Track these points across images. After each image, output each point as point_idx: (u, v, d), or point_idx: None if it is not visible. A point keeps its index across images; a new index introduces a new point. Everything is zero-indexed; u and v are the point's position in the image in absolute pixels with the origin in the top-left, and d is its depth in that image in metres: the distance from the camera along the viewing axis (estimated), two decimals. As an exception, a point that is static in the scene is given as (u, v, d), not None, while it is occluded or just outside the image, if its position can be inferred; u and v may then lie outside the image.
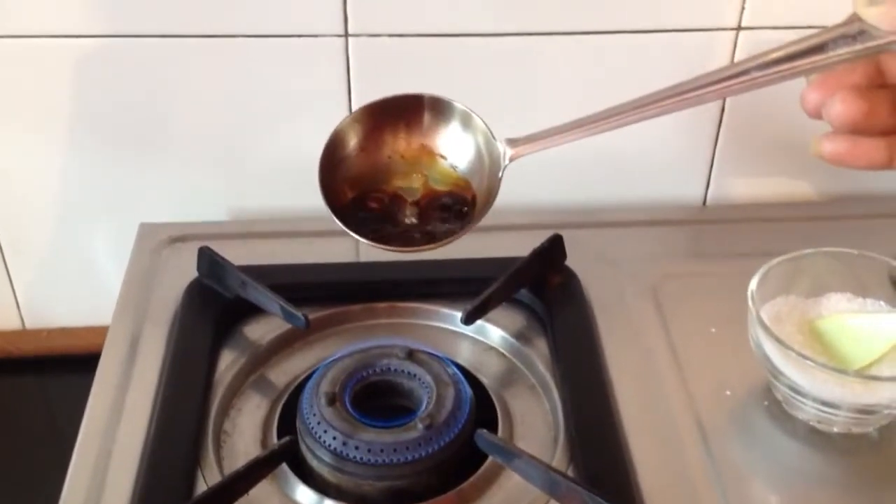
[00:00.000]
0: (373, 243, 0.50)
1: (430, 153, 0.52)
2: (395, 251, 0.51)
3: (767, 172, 0.86)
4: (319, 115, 0.80)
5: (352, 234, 0.50)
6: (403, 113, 0.52)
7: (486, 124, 0.51)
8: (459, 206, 0.52)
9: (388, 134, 0.52)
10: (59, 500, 0.59)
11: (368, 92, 0.78)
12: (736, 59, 0.79)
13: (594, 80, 0.80)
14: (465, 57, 0.78)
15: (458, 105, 0.51)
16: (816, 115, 0.43)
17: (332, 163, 0.51)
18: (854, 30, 0.41)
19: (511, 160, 0.50)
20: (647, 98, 0.46)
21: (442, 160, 0.52)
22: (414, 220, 0.52)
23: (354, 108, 0.79)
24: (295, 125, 0.80)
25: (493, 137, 0.50)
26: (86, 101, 0.79)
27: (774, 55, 0.42)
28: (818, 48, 0.42)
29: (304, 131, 0.80)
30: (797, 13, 0.77)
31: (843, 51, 0.41)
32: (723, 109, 0.82)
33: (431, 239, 0.51)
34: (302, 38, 0.76)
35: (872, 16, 0.40)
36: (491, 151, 0.50)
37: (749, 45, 0.78)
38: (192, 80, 0.78)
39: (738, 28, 0.78)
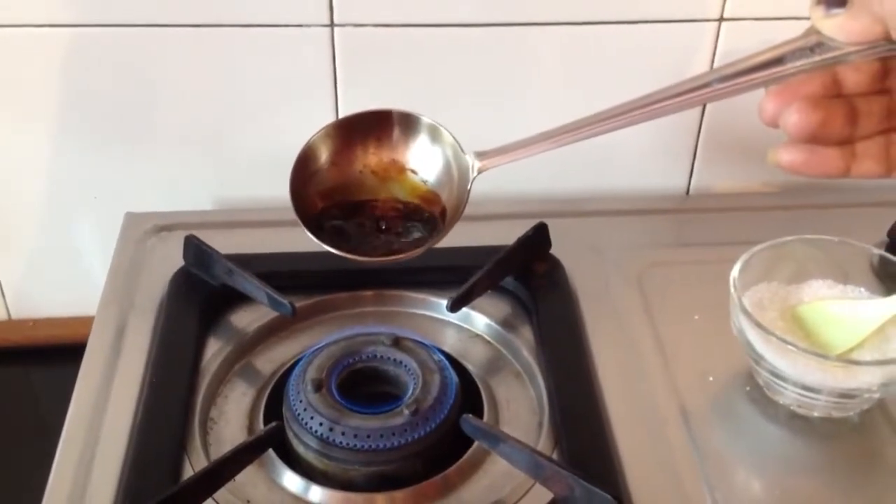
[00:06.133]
0: (342, 253, 0.51)
1: (400, 168, 0.53)
2: (364, 262, 0.51)
3: (749, 162, 0.86)
4: (305, 104, 0.80)
5: (321, 243, 0.51)
6: (374, 128, 0.53)
7: (454, 138, 0.52)
8: (428, 218, 0.53)
9: (359, 148, 0.53)
10: (46, 486, 0.59)
11: (354, 82, 0.79)
12: (719, 50, 0.80)
13: (578, 69, 0.81)
14: (449, 47, 0.78)
15: (427, 119, 0.53)
16: (773, 124, 0.44)
17: (304, 176, 0.52)
18: (812, 42, 0.42)
19: (479, 172, 0.51)
20: (611, 111, 0.47)
21: (412, 174, 0.53)
22: (383, 233, 0.53)
23: (340, 97, 0.80)
24: (281, 115, 0.81)
25: (462, 150, 0.52)
26: (70, 91, 0.79)
27: (734, 68, 0.43)
28: (777, 60, 0.43)
29: (290, 121, 0.80)
30: (779, 4, 0.78)
31: (801, 62, 0.42)
32: (706, 99, 0.83)
33: (399, 250, 0.52)
34: (288, 28, 0.76)
35: (829, 27, 0.41)
36: (460, 164, 0.51)
37: (731, 36, 0.79)
38: (177, 69, 0.78)
39: (721, 19, 0.79)
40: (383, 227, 0.53)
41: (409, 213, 0.53)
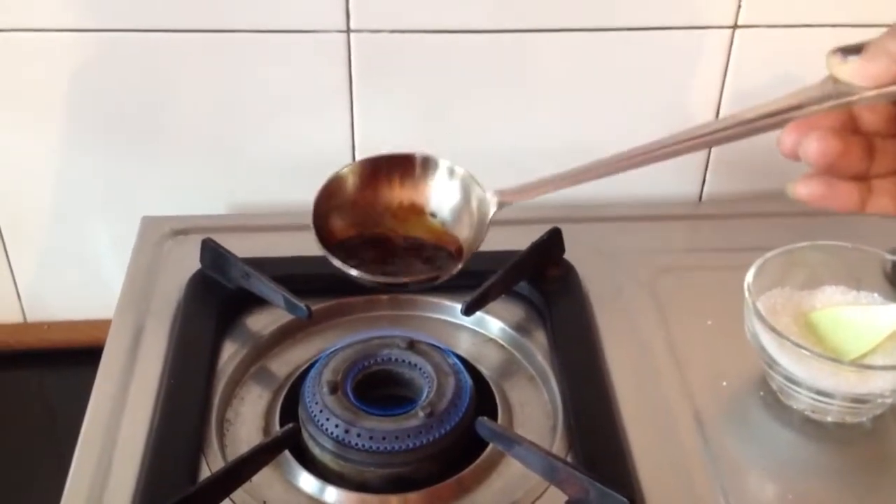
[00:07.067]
0: (360, 273, 0.52)
1: (419, 211, 0.55)
2: (382, 282, 0.52)
3: (762, 169, 0.86)
4: (321, 110, 0.81)
5: (342, 265, 0.52)
6: (397, 169, 0.54)
7: (474, 178, 0.53)
8: (443, 253, 0.54)
9: (383, 189, 0.54)
10: (61, 488, 0.59)
11: (369, 87, 0.80)
12: (732, 58, 0.80)
13: (591, 76, 0.81)
14: (464, 53, 0.79)
15: (447, 163, 0.54)
16: (793, 155, 0.44)
17: (326, 208, 0.53)
18: (829, 88, 0.43)
19: (500, 208, 0.52)
20: (633, 151, 0.48)
21: (430, 218, 0.55)
22: (398, 263, 0.54)
23: (355, 103, 0.80)
24: (297, 120, 0.81)
25: (482, 189, 0.53)
26: (88, 95, 0.79)
27: (753, 114, 0.44)
28: (795, 108, 0.44)
29: (306, 126, 0.81)
30: (792, 12, 0.78)
31: (819, 107, 0.43)
32: (718, 106, 0.83)
33: (410, 282, 0.53)
34: (304, 34, 0.77)
35: (846, 72, 0.42)
36: (480, 203, 0.53)
37: (745, 44, 0.79)
38: (193, 74, 0.79)
39: (734, 26, 0.79)
40: (399, 258, 0.54)
41: (424, 247, 0.55)
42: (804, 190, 0.45)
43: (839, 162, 0.43)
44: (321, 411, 0.61)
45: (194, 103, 0.81)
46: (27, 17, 0.75)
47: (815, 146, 0.43)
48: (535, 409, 0.67)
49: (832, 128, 0.44)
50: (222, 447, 0.63)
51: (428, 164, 0.54)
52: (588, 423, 0.63)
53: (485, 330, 0.73)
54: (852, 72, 0.42)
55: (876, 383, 0.61)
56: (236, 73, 0.79)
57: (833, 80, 0.43)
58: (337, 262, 0.52)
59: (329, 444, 0.60)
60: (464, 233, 0.54)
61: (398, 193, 0.54)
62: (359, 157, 0.56)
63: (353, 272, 0.51)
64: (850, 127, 0.45)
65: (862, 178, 0.45)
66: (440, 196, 0.54)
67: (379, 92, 0.80)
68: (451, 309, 0.73)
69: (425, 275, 0.53)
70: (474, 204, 0.53)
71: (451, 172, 0.54)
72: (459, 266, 0.52)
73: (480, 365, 0.70)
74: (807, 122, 0.44)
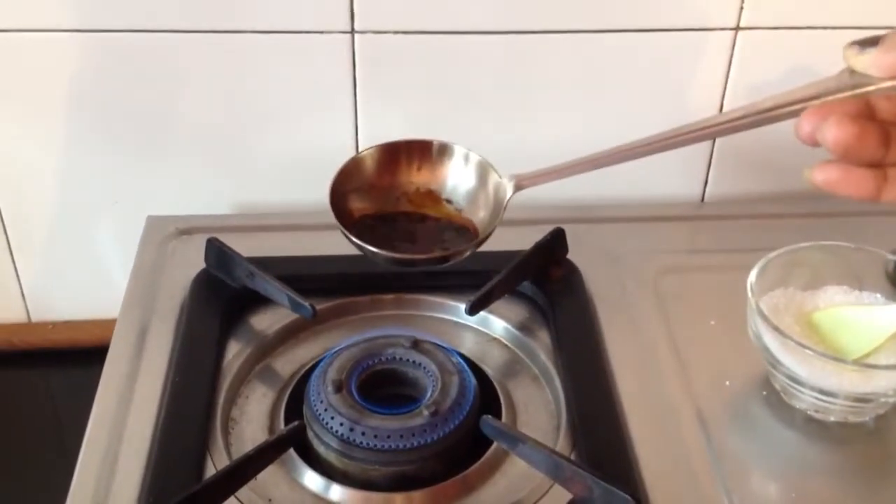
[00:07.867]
0: (374, 249, 0.53)
1: (435, 198, 0.56)
2: (393, 258, 0.53)
3: (764, 169, 0.87)
4: (325, 110, 0.81)
5: (357, 240, 0.53)
6: (414, 156, 0.56)
7: (490, 164, 0.55)
8: (458, 239, 0.55)
9: (401, 173, 0.56)
10: (65, 487, 0.59)
11: (374, 88, 0.80)
12: (735, 59, 0.81)
13: (593, 77, 0.81)
14: (468, 53, 0.79)
15: (463, 149, 0.55)
16: (811, 141, 0.45)
17: (344, 190, 0.54)
18: (845, 79, 0.44)
19: (516, 191, 0.53)
20: (650, 138, 0.49)
21: (447, 204, 0.56)
22: (414, 245, 0.55)
23: (359, 103, 0.80)
24: (301, 120, 0.81)
25: (499, 175, 0.54)
26: (92, 95, 0.80)
27: (770, 103, 0.45)
28: (812, 98, 0.45)
29: (310, 126, 0.81)
30: (795, 14, 0.79)
31: (835, 97, 0.44)
32: (721, 108, 0.83)
33: (426, 260, 0.54)
34: (308, 35, 0.77)
35: (863, 63, 0.43)
36: (497, 188, 0.54)
37: (747, 45, 0.80)
38: (199, 74, 0.79)
39: (737, 28, 0.79)
40: (416, 239, 0.55)
41: (443, 228, 0.56)
42: (821, 175, 0.45)
43: (856, 146, 0.44)
44: (326, 410, 0.61)
45: (199, 104, 0.81)
46: (33, 17, 0.76)
47: (832, 130, 0.44)
48: (538, 408, 0.67)
49: (849, 113, 0.44)
50: (227, 446, 0.63)
51: (444, 150, 0.55)
52: (592, 421, 0.63)
53: (488, 329, 0.74)
54: (869, 63, 0.43)
55: (879, 383, 0.61)
56: (241, 74, 0.79)
57: (849, 71, 0.44)
58: (352, 238, 0.53)
59: (334, 443, 0.61)
60: (478, 217, 0.55)
61: (415, 178, 0.56)
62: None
63: (367, 247, 0.52)
64: (867, 115, 0.45)
65: (878, 166, 0.45)
66: (456, 182, 0.56)
67: (383, 93, 0.80)
68: (455, 308, 0.74)
69: (436, 254, 0.54)
70: (491, 189, 0.54)
71: (467, 158, 0.55)
72: (473, 247, 0.53)
73: (484, 364, 0.70)
74: (824, 108, 0.44)
